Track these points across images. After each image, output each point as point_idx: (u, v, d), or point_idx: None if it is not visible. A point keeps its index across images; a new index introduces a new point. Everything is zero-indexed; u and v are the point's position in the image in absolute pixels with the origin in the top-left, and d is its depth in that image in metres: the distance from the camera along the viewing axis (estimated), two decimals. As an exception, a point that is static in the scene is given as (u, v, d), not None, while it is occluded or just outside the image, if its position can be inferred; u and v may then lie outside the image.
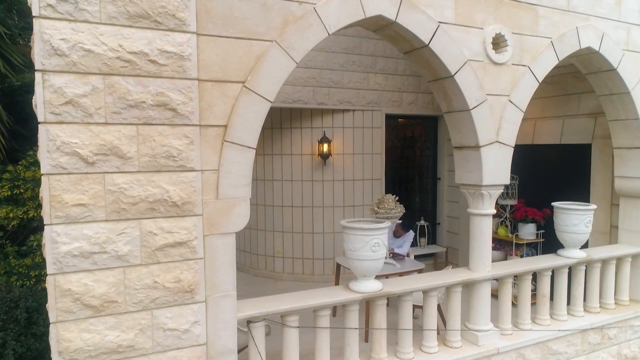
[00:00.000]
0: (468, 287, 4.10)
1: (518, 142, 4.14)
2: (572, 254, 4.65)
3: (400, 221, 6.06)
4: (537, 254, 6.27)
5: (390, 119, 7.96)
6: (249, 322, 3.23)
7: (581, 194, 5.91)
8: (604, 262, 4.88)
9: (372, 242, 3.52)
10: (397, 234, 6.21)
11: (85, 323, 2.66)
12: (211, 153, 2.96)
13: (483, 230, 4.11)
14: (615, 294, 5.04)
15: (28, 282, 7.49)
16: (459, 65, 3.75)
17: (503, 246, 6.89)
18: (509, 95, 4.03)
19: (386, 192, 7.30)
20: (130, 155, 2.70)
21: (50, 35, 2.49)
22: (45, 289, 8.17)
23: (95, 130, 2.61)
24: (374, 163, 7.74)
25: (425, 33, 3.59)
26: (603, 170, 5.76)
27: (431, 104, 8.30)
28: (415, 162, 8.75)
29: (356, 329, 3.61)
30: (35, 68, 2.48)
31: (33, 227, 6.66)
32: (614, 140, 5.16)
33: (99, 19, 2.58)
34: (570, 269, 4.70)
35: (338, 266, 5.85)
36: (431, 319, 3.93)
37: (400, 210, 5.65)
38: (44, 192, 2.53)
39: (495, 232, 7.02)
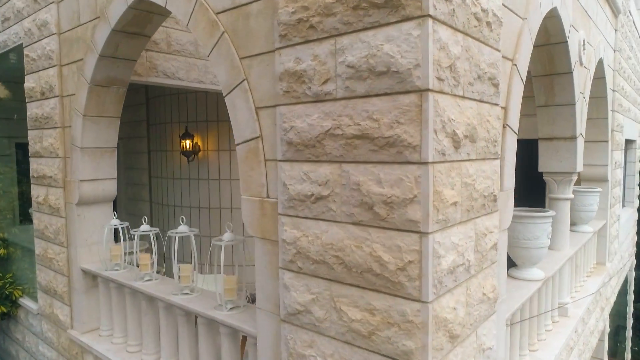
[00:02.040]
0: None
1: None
2: (585, 229, 5.57)
3: None
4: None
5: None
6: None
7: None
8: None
9: (548, 230, 3.58)
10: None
11: (447, 360, 2.01)
12: (499, 138, 2.57)
13: (565, 213, 4.58)
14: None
15: None
16: (574, 62, 4.11)
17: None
18: (582, 93, 4.60)
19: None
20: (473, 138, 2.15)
21: (445, -29, 1.80)
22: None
23: (462, 105, 2.00)
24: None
25: (567, 29, 3.83)
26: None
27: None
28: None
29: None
30: (427, 13, 1.76)
31: None
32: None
33: (462, -40, 1.98)
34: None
35: None
36: (548, 298, 4.21)
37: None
38: (428, 188, 1.81)
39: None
